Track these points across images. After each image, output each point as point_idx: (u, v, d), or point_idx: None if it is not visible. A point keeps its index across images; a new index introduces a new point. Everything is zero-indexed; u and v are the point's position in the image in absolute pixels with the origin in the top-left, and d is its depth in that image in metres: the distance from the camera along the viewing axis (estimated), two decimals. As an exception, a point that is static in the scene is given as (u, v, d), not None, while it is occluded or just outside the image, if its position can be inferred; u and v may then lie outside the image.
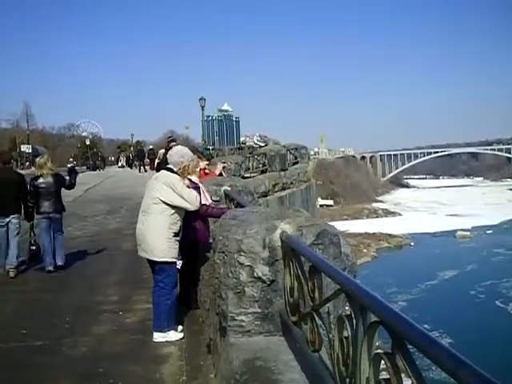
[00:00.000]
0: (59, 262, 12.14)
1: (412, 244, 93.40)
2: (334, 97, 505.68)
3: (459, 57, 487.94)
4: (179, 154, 7.88)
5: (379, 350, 2.78)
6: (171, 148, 8.81)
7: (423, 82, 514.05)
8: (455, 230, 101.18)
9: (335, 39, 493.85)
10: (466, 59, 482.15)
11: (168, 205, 7.41)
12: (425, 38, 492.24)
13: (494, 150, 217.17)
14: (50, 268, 11.92)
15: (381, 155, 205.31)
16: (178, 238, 7.59)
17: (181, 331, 7.71)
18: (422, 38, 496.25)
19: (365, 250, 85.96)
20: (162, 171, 7.79)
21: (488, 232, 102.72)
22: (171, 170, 7.64)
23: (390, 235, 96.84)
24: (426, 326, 47.46)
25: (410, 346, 2.44)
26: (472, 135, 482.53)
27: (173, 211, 7.45)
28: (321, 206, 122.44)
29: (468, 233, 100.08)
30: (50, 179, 12.22)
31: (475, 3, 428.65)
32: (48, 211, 12.13)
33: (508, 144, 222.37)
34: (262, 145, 43.07)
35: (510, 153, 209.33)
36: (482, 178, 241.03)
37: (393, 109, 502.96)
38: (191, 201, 7.42)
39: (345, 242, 5.05)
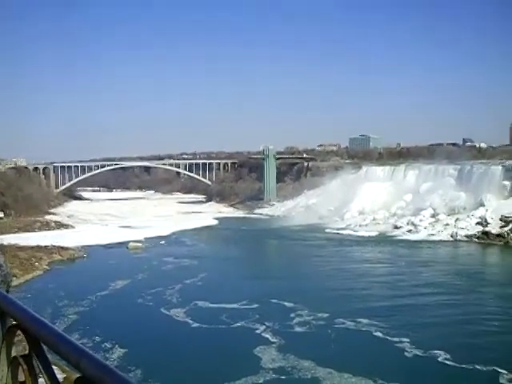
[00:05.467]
0: None
1: (85, 256, 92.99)
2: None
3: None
4: None
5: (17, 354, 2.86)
6: None
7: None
8: (128, 242, 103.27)
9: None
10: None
11: None
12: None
13: (165, 164, 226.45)
14: None
15: (54, 167, 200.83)
16: None
17: None
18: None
19: (37, 264, 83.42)
20: None
21: (159, 242, 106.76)
22: None
23: (62, 248, 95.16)
24: (97, 337, 47.85)
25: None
26: (145, 150, 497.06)
27: None
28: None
29: (140, 244, 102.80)
30: None
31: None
32: None
33: (178, 159, 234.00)
34: None
35: (179, 167, 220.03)
36: (153, 191, 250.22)
37: (67, 121, 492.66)
38: None
39: (-2, 252, 4.97)
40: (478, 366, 41.73)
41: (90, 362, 2.10)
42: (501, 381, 39.37)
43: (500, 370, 40.71)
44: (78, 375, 2.19)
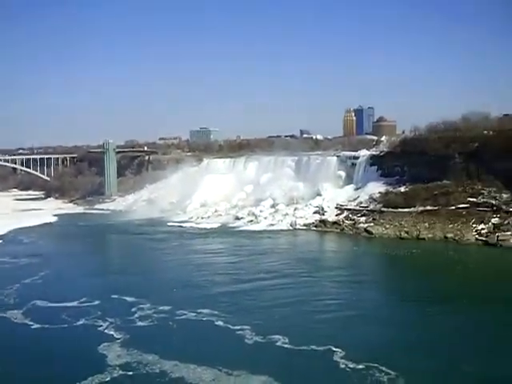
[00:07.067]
0: None
1: None
2: None
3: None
4: None
5: None
6: None
7: None
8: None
9: None
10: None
11: None
12: None
13: (1, 160, 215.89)
14: None
15: None
16: None
17: None
18: None
19: None
20: None
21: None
22: None
23: None
24: None
25: None
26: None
27: None
28: None
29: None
30: None
31: None
32: None
33: (14, 155, 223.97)
34: None
35: (15, 163, 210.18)
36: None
37: None
38: None
39: None
40: (314, 347, 44.10)
41: None
42: (335, 358, 41.83)
43: (334, 349, 43.28)
44: None
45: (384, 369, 39.12)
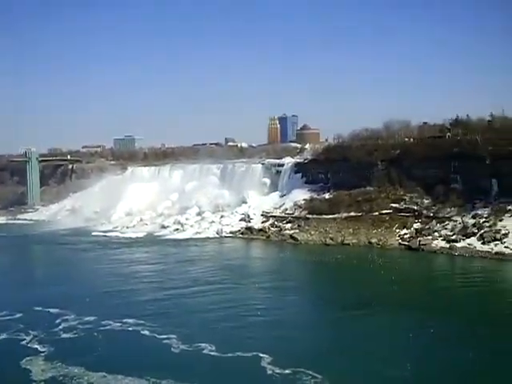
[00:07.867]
0: None
1: None
2: None
3: None
4: None
5: None
6: None
7: None
8: None
9: None
10: None
11: None
12: None
13: None
14: None
15: None
16: None
17: None
18: None
19: None
20: None
21: None
22: None
23: None
24: None
25: None
26: None
27: None
28: None
29: None
30: None
31: None
32: None
33: None
34: None
35: None
36: None
37: None
38: None
39: None
40: (240, 353, 44.08)
41: None
42: (262, 364, 41.87)
43: (261, 355, 43.31)
44: None
45: (311, 373, 39.43)
